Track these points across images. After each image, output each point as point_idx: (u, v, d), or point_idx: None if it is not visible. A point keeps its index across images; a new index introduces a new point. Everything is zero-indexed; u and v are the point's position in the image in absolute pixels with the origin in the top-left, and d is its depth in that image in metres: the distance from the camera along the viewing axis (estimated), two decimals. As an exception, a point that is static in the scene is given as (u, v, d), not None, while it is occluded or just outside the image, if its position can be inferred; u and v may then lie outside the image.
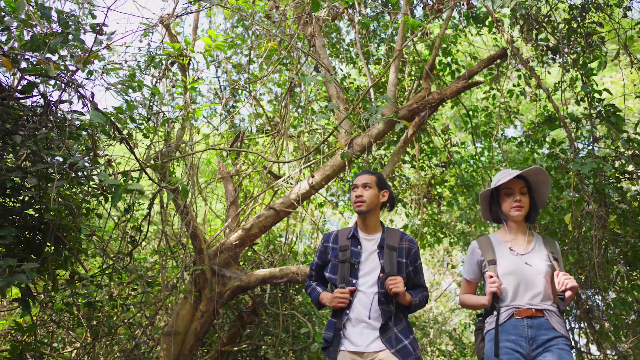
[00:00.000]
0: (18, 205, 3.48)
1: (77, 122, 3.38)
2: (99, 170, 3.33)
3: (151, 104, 5.53)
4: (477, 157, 8.18)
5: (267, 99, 8.74)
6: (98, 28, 3.36)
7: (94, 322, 4.91)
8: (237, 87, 7.25)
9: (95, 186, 3.41)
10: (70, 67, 3.34)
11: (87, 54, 3.31)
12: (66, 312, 4.93)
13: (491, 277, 3.22)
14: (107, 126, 3.38)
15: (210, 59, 5.90)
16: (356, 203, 3.42)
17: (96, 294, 5.18)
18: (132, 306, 5.86)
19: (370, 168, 8.09)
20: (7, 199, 3.45)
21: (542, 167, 3.54)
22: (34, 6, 3.71)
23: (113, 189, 3.13)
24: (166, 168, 4.92)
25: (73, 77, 3.25)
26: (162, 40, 5.29)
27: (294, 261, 7.20)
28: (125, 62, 4.62)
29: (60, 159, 3.17)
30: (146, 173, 3.96)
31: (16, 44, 3.44)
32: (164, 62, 5.63)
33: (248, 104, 7.50)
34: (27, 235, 3.66)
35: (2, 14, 3.44)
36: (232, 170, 6.80)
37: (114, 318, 5.82)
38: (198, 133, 6.45)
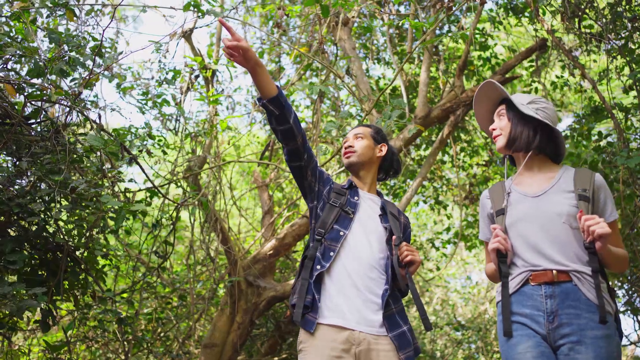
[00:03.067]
0: (34, 228, 3.52)
1: (80, 146, 3.40)
2: (103, 192, 3.32)
3: (177, 118, 5.56)
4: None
5: (306, 104, 8.69)
6: (97, 50, 3.36)
7: (126, 338, 4.95)
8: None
9: (97, 208, 3.40)
10: (76, 90, 3.35)
11: (88, 77, 3.31)
12: (100, 329, 4.99)
13: (495, 229, 2.42)
14: (111, 146, 3.37)
15: (235, 69, 5.86)
16: (345, 154, 2.82)
17: (128, 309, 5.22)
18: (166, 320, 5.90)
19: (407, 171, 7.89)
20: (24, 224, 3.50)
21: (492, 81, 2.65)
22: (43, 31, 3.76)
23: (116, 211, 3.12)
24: (187, 182, 4.91)
25: (76, 100, 3.26)
26: (179, 54, 5.29)
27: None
28: (140, 78, 4.63)
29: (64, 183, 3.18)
30: (159, 191, 3.94)
31: (23, 71, 3.50)
32: (187, 75, 5.65)
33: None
34: (45, 258, 3.71)
35: (8, 40, 3.49)
36: (264, 179, 6.77)
37: (149, 333, 5.88)
38: (229, 144, 6.44)
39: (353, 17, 6.63)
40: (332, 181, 2.83)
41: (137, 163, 3.54)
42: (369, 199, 2.81)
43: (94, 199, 3.27)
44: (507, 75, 6.76)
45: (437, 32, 7.05)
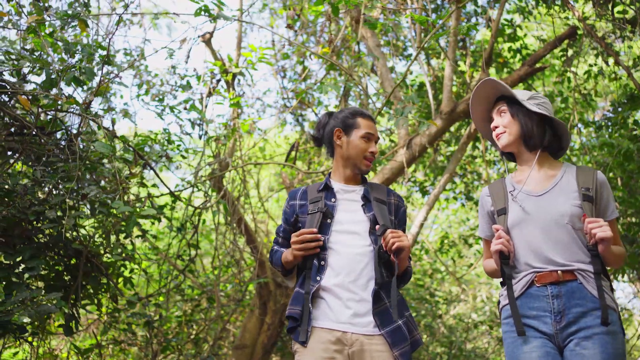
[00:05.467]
0: (55, 234, 3.62)
1: (92, 153, 3.47)
2: (114, 199, 3.39)
3: (199, 123, 5.62)
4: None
5: (334, 103, 8.67)
6: (106, 58, 3.43)
7: (154, 341, 5.04)
8: (297, 91, 7.19)
9: (111, 214, 3.47)
10: (87, 99, 3.43)
11: (98, 85, 3.38)
12: (129, 332, 5.09)
13: (497, 230, 2.40)
14: (121, 152, 3.44)
15: (256, 70, 5.89)
16: (367, 162, 2.72)
17: (157, 312, 5.31)
18: (197, 322, 5.98)
19: (437, 167, 7.78)
20: (47, 231, 3.60)
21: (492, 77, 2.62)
22: (59, 42, 3.85)
23: (128, 216, 3.18)
24: (209, 186, 4.96)
25: (87, 109, 3.33)
26: (200, 59, 5.35)
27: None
28: (152, 86, 4.71)
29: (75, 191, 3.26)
30: (174, 195, 3.99)
31: (36, 81, 3.60)
32: (209, 79, 5.71)
33: (309, 110, 7.47)
34: (67, 264, 3.81)
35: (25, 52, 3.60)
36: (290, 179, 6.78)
37: (184, 333, 5.97)
38: (254, 146, 6.48)
39: (370, 14, 6.58)
40: (296, 200, 2.79)
41: (152, 168, 3.60)
42: (348, 191, 2.73)
43: (107, 205, 3.33)
44: (536, 66, 6.59)
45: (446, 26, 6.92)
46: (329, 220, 2.61)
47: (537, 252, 2.35)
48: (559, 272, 2.30)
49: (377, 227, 2.56)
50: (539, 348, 2.25)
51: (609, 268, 2.45)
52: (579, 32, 6.80)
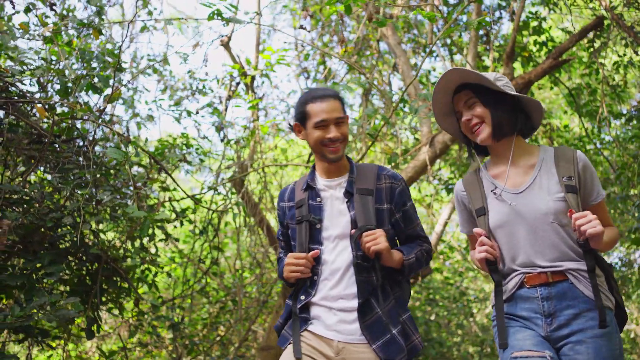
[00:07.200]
0: (74, 240, 3.68)
1: (106, 159, 3.52)
2: (129, 204, 3.43)
3: (220, 126, 5.67)
4: (584, 139, 7.44)
5: (358, 102, 8.64)
6: (118, 66, 3.48)
7: (180, 342, 5.10)
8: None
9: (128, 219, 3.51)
10: (100, 107, 3.49)
11: (111, 93, 3.43)
12: (154, 335, 5.16)
13: (479, 235, 2.22)
14: (139, 158, 3.48)
15: (274, 72, 5.90)
16: (331, 149, 2.40)
17: (181, 315, 5.37)
18: (222, 324, 6.02)
19: (462, 164, 7.67)
20: (68, 237, 3.67)
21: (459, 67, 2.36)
22: (75, 51, 3.92)
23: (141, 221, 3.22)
24: (229, 188, 4.99)
25: (101, 116, 3.38)
26: (218, 62, 5.40)
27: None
28: (176, 90, 4.76)
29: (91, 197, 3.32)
30: (194, 199, 4.02)
31: (55, 89, 3.67)
32: (228, 82, 5.75)
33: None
34: (88, 269, 3.87)
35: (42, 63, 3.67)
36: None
37: (212, 335, 6.02)
38: (276, 148, 6.50)
39: (390, 12, 6.53)
40: (284, 202, 2.60)
41: (167, 172, 3.63)
42: (331, 187, 2.49)
43: (121, 210, 3.38)
44: (561, 58, 6.44)
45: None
46: (317, 226, 2.42)
47: (524, 255, 2.20)
48: (548, 273, 2.16)
49: (352, 231, 2.36)
50: (532, 337, 2.13)
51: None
52: (606, 22, 6.63)
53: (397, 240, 2.56)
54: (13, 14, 3.95)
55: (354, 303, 2.31)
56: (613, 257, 10.06)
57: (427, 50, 5.91)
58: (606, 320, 2.06)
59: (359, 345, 2.28)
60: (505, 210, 2.24)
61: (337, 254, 2.38)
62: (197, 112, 5.23)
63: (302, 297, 2.40)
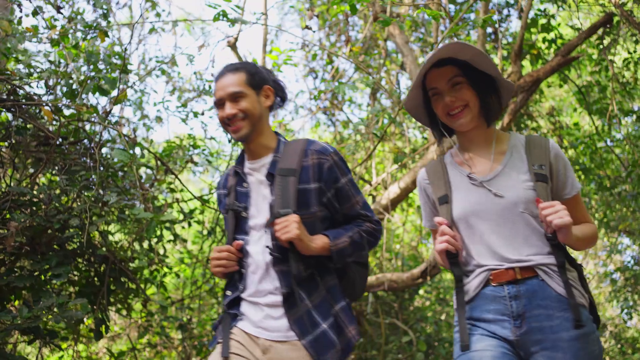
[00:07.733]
0: (84, 241, 3.71)
1: (112, 160, 3.54)
2: (135, 205, 3.45)
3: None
4: (595, 137, 7.37)
5: (367, 102, 8.63)
6: (124, 67, 3.49)
7: (187, 344, 5.11)
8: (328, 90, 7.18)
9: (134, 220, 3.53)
10: (107, 108, 3.51)
11: (117, 94, 3.45)
12: (163, 336, 5.18)
13: (440, 225, 2.00)
14: (146, 159, 3.49)
15: (281, 72, 5.91)
16: (231, 128, 2.16)
17: (190, 316, 5.39)
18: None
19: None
20: (72, 238, 3.70)
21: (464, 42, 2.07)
22: (83, 53, 3.95)
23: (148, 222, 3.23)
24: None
25: (107, 118, 3.40)
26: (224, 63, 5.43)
27: (391, 268, 6.99)
28: (183, 91, 4.78)
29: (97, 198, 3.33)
30: (201, 200, 4.03)
31: (62, 91, 3.69)
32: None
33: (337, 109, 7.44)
34: (97, 270, 3.90)
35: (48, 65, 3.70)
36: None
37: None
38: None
39: (392, 12, 6.52)
40: (221, 189, 2.39)
41: (173, 173, 3.64)
42: (256, 169, 2.25)
43: (127, 211, 3.40)
44: (570, 56, 6.40)
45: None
46: (243, 215, 2.19)
47: (490, 248, 1.98)
48: (516, 269, 1.93)
49: (266, 219, 2.13)
50: (494, 347, 1.90)
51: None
52: (616, 18, 6.57)
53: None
54: (21, 17, 3.99)
55: (278, 297, 2.10)
56: (626, 256, 9.98)
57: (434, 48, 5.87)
58: (581, 319, 1.88)
59: (286, 343, 2.07)
60: (472, 199, 2.03)
61: (262, 245, 2.15)
62: (203, 113, 5.25)
63: (229, 293, 2.20)
